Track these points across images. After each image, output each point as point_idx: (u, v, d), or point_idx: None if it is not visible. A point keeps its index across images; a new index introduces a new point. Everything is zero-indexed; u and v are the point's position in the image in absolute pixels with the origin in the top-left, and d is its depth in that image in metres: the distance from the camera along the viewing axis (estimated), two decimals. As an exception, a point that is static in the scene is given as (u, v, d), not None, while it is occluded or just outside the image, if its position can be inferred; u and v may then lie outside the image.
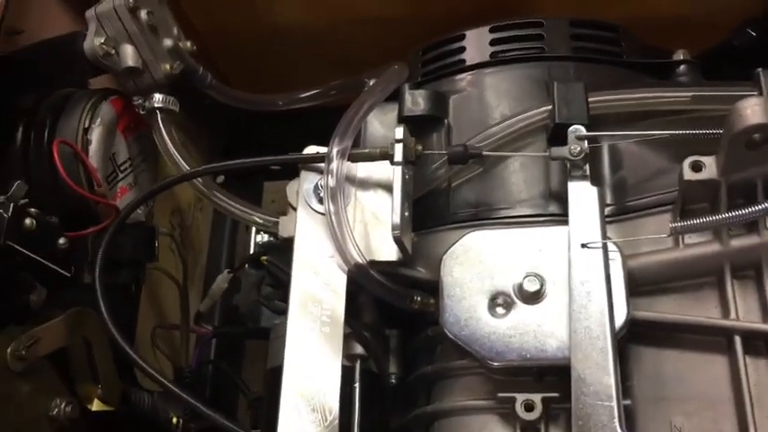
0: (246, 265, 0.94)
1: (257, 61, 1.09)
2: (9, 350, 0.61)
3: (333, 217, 0.72)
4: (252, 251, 1.07)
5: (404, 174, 0.70)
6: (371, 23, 0.99)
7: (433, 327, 0.75)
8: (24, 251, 0.63)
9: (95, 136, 0.77)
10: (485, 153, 0.73)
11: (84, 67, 0.77)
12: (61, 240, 0.69)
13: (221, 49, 1.07)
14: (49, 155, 0.73)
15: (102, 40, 0.76)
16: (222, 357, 1.08)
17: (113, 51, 0.78)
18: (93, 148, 0.76)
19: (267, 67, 1.09)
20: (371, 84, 0.86)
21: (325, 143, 0.75)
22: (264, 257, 0.81)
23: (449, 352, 0.75)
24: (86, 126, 0.76)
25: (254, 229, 1.08)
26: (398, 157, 0.71)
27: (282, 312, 0.85)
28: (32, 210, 0.65)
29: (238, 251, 1.19)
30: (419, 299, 0.72)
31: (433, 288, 0.72)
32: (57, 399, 0.67)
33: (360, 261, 0.71)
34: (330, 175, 0.72)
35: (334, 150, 0.73)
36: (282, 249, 0.81)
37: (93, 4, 0.78)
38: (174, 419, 0.86)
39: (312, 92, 0.95)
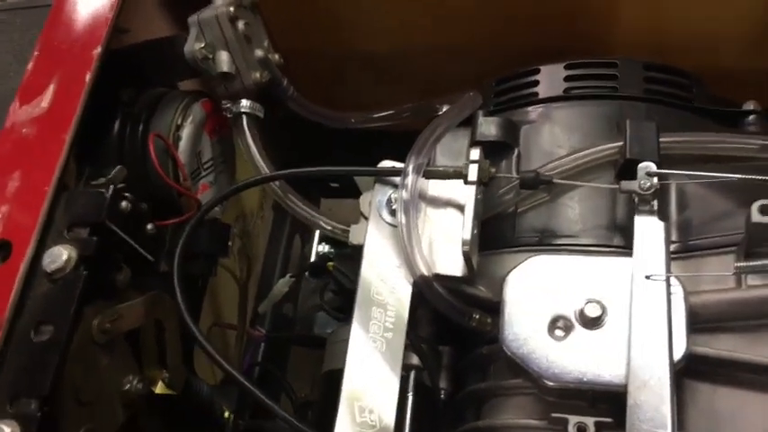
0: (307, 273, 0.98)
1: (333, 82, 1.13)
2: (95, 323, 0.65)
3: (404, 229, 0.75)
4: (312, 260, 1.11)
5: (476, 193, 0.73)
6: (448, 54, 1.03)
7: (489, 345, 0.77)
8: (119, 231, 0.67)
9: (186, 133, 0.81)
10: (555, 181, 0.76)
11: (181, 68, 0.82)
12: (149, 226, 0.73)
13: (299, 68, 1.12)
14: (143, 146, 0.78)
15: (202, 45, 0.81)
16: (269, 361, 1.11)
17: (210, 56, 0.82)
18: (182, 144, 0.81)
19: (341, 88, 1.13)
20: (445, 108, 0.90)
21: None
22: (331, 263, 0.84)
23: (502, 371, 0.77)
24: (179, 123, 0.81)
25: (316, 239, 1.12)
26: (473, 176, 0.74)
27: (342, 319, 0.89)
28: (128, 194, 0.69)
29: (292, 262, 1.23)
30: (477, 317, 0.74)
31: (492, 308, 0.74)
32: (129, 375, 0.70)
33: (425, 273, 0.73)
34: (405, 189, 0.76)
35: (411, 165, 0.76)
36: (347, 258, 0.85)
37: (194, 11, 0.83)
38: (227, 414, 0.89)
39: (385, 113, 0.98)
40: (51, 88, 0.69)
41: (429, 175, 0.78)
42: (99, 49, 0.71)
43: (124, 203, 0.68)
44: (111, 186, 0.66)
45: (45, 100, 0.68)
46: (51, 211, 0.65)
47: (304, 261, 1.14)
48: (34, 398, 0.58)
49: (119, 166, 0.69)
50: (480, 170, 0.74)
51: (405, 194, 0.75)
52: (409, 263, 0.74)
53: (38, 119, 0.68)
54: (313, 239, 1.11)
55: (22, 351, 0.60)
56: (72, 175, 0.69)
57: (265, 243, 1.22)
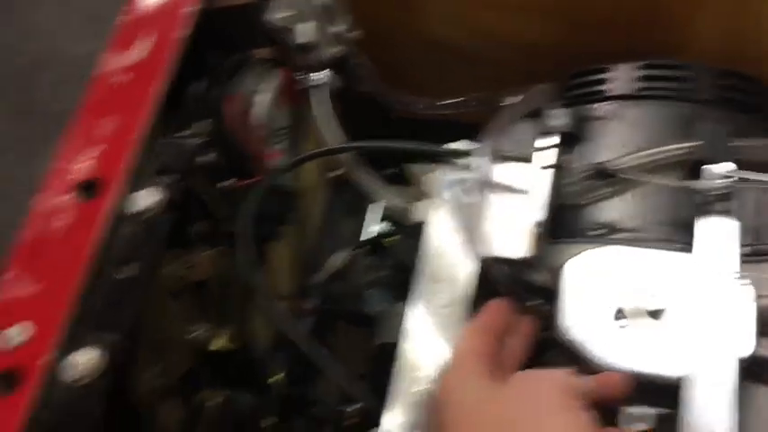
0: (362, 250, 0.99)
1: (401, 69, 1.14)
2: (172, 269, 0.67)
3: (469, 209, 0.76)
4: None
5: (552, 178, 0.75)
6: (518, 48, 1.04)
7: (544, 332, 0.78)
8: (200, 183, 0.69)
9: (263, 99, 0.83)
10: (624, 175, 0.77)
11: (261, 35, 0.84)
12: (225, 183, 0.75)
13: (369, 52, 1.13)
14: (222, 107, 0.80)
15: (284, 15, 0.83)
16: (314, 335, 1.12)
17: (291, 26, 0.84)
18: (259, 109, 0.83)
19: (410, 76, 1.14)
20: (511, 100, 0.91)
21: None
22: (390, 239, 0.85)
23: (557, 358, 0.77)
24: (257, 89, 0.83)
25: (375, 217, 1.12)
26: (549, 161, 0.75)
27: (396, 296, 0.90)
28: (210, 148, 0.72)
29: (345, 241, 1.23)
30: (536, 303, 0.75)
31: (550, 296, 0.75)
32: (196, 325, 0.72)
33: (487, 254, 0.75)
34: (473, 171, 0.77)
35: (482, 148, 0.78)
36: (408, 236, 0.86)
37: (279, -21, 0.85)
38: (275, 378, 0.90)
39: (452, 100, 1.00)
40: (144, 40, 0.71)
41: (500, 158, 0.79)
42: (193, 8, 0.73)
43: (207, 156, 0.70)
44: (197, 138, 0.68)
45: (137, 52, 0.71)
46: (140, 156, 0.67)
47: (357, 240, 1.14)
48: (116, 332, 0.60)
49: (205, 120, 0.71)
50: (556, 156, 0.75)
51: (473, 176, 0.77)
52: (472, 242, 0.75)
53: (130, 68, 0.70)
54: (370, 219, 1.12)
55: (105, 287, 0.62)
56: (159, 126, 0.72)
57: (320, 220, 1.23)
